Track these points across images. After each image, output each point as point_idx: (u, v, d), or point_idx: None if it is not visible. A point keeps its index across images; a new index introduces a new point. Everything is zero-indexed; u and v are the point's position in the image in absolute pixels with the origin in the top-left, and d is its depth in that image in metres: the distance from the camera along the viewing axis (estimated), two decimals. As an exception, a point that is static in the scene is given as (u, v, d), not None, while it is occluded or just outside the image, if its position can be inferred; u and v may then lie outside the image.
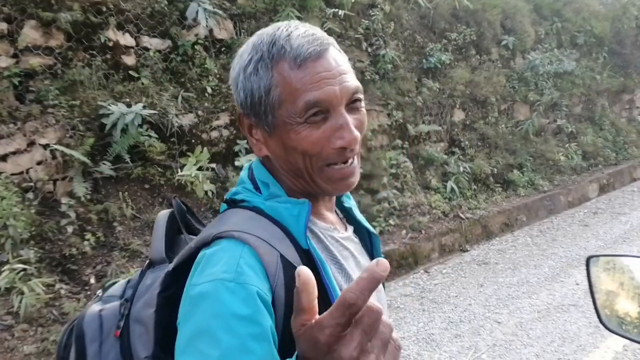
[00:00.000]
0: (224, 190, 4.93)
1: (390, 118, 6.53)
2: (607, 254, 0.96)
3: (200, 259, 0.75)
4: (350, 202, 1.02)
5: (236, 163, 5.04)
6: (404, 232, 5.60)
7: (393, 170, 6.14)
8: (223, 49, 5.44)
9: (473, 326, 3.87)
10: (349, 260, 0.88)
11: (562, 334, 3.70)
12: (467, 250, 5.66)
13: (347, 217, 1.01)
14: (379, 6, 6.55)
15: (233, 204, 0.87)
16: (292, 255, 0.77)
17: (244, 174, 0.91)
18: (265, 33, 0.84)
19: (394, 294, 4.58)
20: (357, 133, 0.80)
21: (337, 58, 0.83)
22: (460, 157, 6.98)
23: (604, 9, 9.52)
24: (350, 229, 0.97)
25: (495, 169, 7.13)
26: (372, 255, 1.00)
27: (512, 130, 7.87)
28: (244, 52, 0.85)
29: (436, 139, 7.01)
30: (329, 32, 6.18)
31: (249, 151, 5.03)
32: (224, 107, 5.22)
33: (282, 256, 0.76)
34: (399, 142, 6.48)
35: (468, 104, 7.47)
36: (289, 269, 0.74)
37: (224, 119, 5.21)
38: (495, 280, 4.75)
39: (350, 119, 0.80)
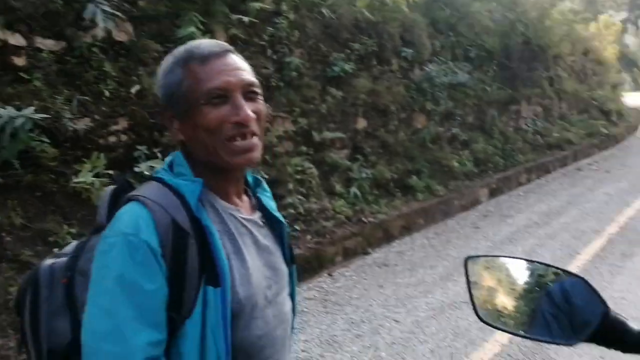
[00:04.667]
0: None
1: (296, 125, 6.63)
2: (483, 254, 1.07)
3: (114, 216, 0.98)
4: (265, 194, 1.21)
5: (136, 169, 4.89)
6: (309, 236, 5.70)
7: (298, 176, 6.24)
8: (122, 51, 5.27)
9: (373, 326, 4.03)
10: (244, 237, 1.06)
11: (455, 329, 3.95)
12: (369, 253, 5.87)
13: (260, 205, 1.18)
14: (283, 14, 6.64)
15: (152, 179, 1.07)
16: (184, 221, 0.96)
17: (168, 158, 1.11)
18: (181, 47, 1.07)
19: (299, 298, 4.63)
20: (251, 112, 1.00)
21: (237, 59, 1.05)
22: (363, 163, 7.21)
23: (493, 25, 10.22)
24: (259, 214, 1.15)
25: (396, 175, 7.44)
26: (281, 241, 1.19)
27: (411, 138, 8.25)
28: (166, 60, 1.07)
29: (340, 145, 7.19)
30: (234, 38, 6.18)
31: (149, 157, 4.92)
32: (122, 112, 5.06)
33: (174, 220, 0.95)
34: (304, 148, 6.59)
35: (370, 112, 7.74)
36: (178, 230, 0.95)
37: (123, 123, 5.05)
38: (394, 281, 4.97)
39: (246, 104, 1.00)
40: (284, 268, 1.16)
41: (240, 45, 6.32)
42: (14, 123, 4.15)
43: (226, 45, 1.07)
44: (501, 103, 10.54)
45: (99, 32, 4.96)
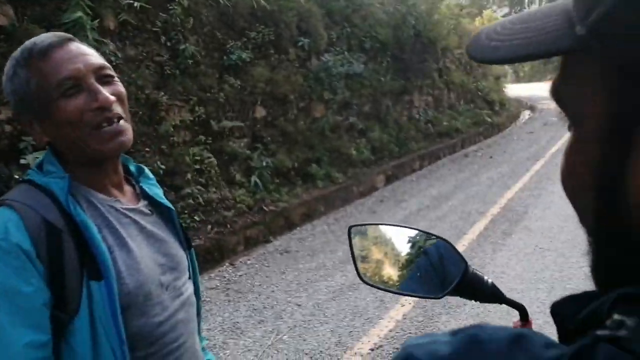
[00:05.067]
0: (7, 189, 4.46)
1: (193, 114, 6.51)
2: (366, 223, 1.16)
3: None
4: (148, 182, 1.20)
5: (22, 161, 4.59)
6: (209, 227, 5.64)
7: (197, 166, 6.15)
8: (2, 36, 4.90)
9: (275, 311, 4.10)
10: (129, 227, 1.06)
11: (353, 309, 4.11)
12: (271, 241, 5.93)
13: (145, 194, 1.17)
14: (177, 0, 6.47)
15: (21, 181, 1.05)
16: (56, 218, 0.95)
17: (37, 160, 1.09)
18: (18, 49, 1.03)
19: (201, 288, 4.61)
20: (109, 95, 0.98)
21: (80, 46, 1.03)
22: (263, 152, 7.23)
23: (386, 17, 10.58)
24: (144, 203, 1.15)
25: (296, 163, 7.54)
26: (173, 226, 1.19)
27: (310, 127, 8.38)
28: (6, 66, 1.02)
29: (239, 134, 7.16)
30: (125, 24, 5.94)
31: (37, 148, 4.63)
32: (5, 101, 4.71)
33: (44, 219, 0.94)
34: (202, 137, 6.49)
35: (269, 101, 7.76)
36: (50, 228, 0.94)
37: (6, 113, 4.71)
38: (296, 267, 5.06)
39: (104, 88, 0.99)
40: (180, 253, 1.16)
41: (131, 31, 6.09)
42: None
43: (65, 34, 1.04)
44: (395, 93, 10.97)
45: (-27, 14, 4.57)
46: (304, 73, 8.59)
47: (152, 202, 1.16)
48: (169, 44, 6.40)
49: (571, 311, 0.37)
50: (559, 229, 5.75)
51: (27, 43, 1.00)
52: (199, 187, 5.92)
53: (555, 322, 0.38)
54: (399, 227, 1.05)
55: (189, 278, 1.20)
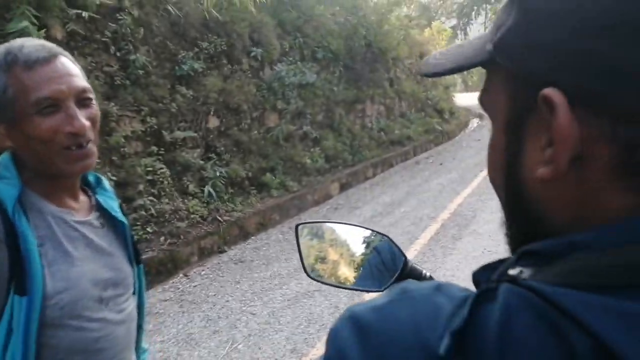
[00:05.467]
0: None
1: (144, 124, 6.44)
2: (312, 221, 1.22)
3: None
4: (105, 194, 1.20)
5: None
6: (162, 238, 5.59)
7: (149, 177, 6.08)
8: (-59, 45, 4.75)
9: (230, 320, 4.10)
10: (76, 241, 1.06)
11: (308, 317, 4.16)
12: (225, 251, 5.92)
13: (99, 206, 1.17)
14: (126, 10, 6.41)
15: None
16: None
17: None
18: (2, 46, 0.99)
19: (153, 300, 4.56)
20: (85, 122, 0.99)
21: (66, 64, 1.01)
22: (217, 162, 7.22)
23: (338, 28, 10.74)
24: (96, 215, 1.14)
25: (250, 173, 7.55)
26: (124, 240, 1.19)
27: (264, 136, 8.41)
28: None
29: (192, 145, 7.13)
30: (73, 34, 5.84)
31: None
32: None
33: None
34: (154, 148, 6.43)
35: (222, 111, 7.75)
36: None
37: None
38: (251, 276, 5.07)
39: (79, 112, 0.99)
40: (126, 269, 1.16)
41: (80, 41, 6.00)
42: None
43: (54, 47, 1.02)
44: (348, 102, 11.13)
45: None
46: (257, 83, 8.63)
47: (105, 215, 1.16)
48: (118, 54, 6.33)
49: (487, 276, 0.45)
50: (505, 232, 5.97)
51: (13, 47, 0.97)
52: (151, 198, 5.87)
53: (475, 287, 0.45)
54: (345, 225, 1.11)
55: (133, 293, 1.20)
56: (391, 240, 1.01)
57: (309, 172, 8.63)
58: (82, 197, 1.14)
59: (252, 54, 8.50)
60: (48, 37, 5.51)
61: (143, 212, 5.65)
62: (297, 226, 1.14)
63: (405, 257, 0.97)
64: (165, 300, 4.57)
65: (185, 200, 6.37)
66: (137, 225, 5.48)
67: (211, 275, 5.17)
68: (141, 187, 5.83)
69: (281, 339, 3.81)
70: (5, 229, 0.94)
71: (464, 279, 4.72)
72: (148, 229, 5.55)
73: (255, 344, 3.73)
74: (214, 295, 4.64)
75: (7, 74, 0.96)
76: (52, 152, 0.98)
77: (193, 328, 4.00)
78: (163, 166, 6.35)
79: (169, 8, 7.01)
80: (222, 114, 7.77)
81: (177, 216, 6.01)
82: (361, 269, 1.06)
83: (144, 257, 5.03)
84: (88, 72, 6.01)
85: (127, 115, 6.23)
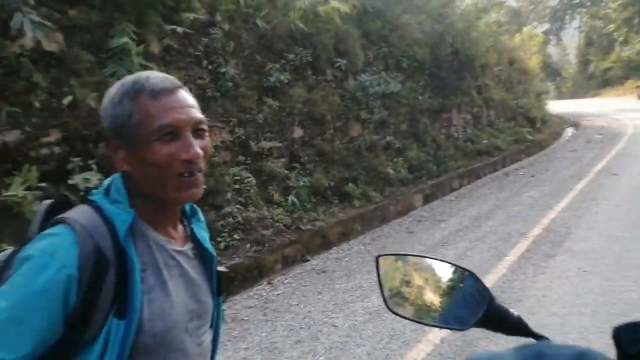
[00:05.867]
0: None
1: (233, 135, 6.66)
2: (393, 253, 1.18)
3: (40, 234, 1.00)
4: (199, 224, 1.23)
5: (70, 181, 4.79)
6: (248, 245, 5.73)
7: (237, 186, 6.27)
8: (53, 61, 5.15)
9: (312, 331, 4.12)
10: (172, 269, 1.09)
11: (390, 332, 4.09)
12: (308, 260, 5.97)
13: (193, 236, 1.20)
14: (218, 25, 6.66)
15: (85, 201, 1.07)
16: (108, 249, 0.98)
17: (106, 181, 1.11)
18: (129, 77, 1.07)
19: (238, 307, 4.68)
20: (199, 150, 1.03)
21: (186, 96, 1.07)
22: (300, 171, 7.32)
23: (424, 37, 10.61)
24: (190, 245, 1.17)
25: (333, 182, 7.60)
26: (210, 272, 1.20)
27: (347, 146, 8.44)
28: (113, 89, 1.06)
29: (277, 154, 7.27)
30: (168, 48, 6.15)
31: (84, 168, 4.82)
32: (54, 123, 4.94)
33: (97, 246, 0.97)
34: (242, 158, 6.63)
35: (306, 121, 7.87)
36: (100, 257, 0.97)
37: (55, 135, 4.93)
38: (332, 287, 5.08)
39: (194, 141, 1.03)
40: (209, 301, 1.18)
41: (174, 55, 6.30)
42: (-64, 136, 3.99)
43: (176, 80, 1.08)
44: (433, 111, 10.94)
45: (28, 42, 4.83)
46: (341, 93, 8.68)
47: (197, 246, 1.19)
48: (210, 67, 6.59)
49: (633, 336, 0.40)
50: (603, 250, 5.61)
51: (140, 77, 1.04)
52: (238, 206, 6.04)
53: (617, 345, 0.41)
54: (427, 259, 1.08)
55: (210, 326, 1.22)
56: (476, 276, 0.96)
57: (391, 183, 8.55)
58: (179, 226, 1.17)
59: (337, 64, 8.57)
60: (146, 52, 5.84)
61: (230, 220, 5.83)
62: (377, 257, 1.12)
63: (491, 295, 0.91)
64: (250, 307, 4.67)
65: (270, 209, 6.51)
66: (225, 232, 5.66)
67: (294, 284, 5.23)
68: (229, 195, 6.02)
69: (362, 354, 3.77)
70: (115, 252, 0.98)
71: (556, 300, 4.47)
72: (235, 236, 5.71)
73: (337, 357, 3.72)
74: (297, 304, 4.69)
75: (133, 102, 1.01)
76: (166, 178, 1.02)
77: (276, 337, 4.06)
78: (250, 175, 6.53)
79: (258, 22, 7.21)
80: (307, 124, 7.88)
81: (262, 224, 6.14)
82: (443, 305, 1.01)
83: (231, 262, 5.19)
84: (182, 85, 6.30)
85: (217, 126, 6.47)
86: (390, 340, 3.98)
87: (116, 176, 1.09)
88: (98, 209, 1.02)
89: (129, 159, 1.04)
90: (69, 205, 1.09)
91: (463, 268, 0.99)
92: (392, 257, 1.17)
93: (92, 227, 0.98)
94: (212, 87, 6.59)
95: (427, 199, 8.85)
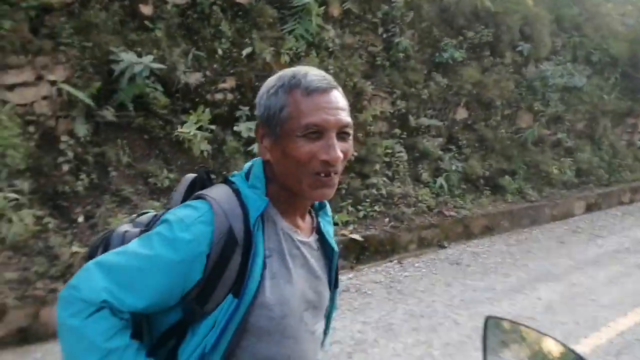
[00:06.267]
0: (219, 152, 5.06)
1: (394, 107, 6.62)
2: (507, 319, 1.09)
3: (182, 204, 1.09)
4: (325, 218, 1.26)
5: (235, 128, 5.15)
6: (386, 219, 5.76)
7: (387, 159, 6.27)
8: (240, 12, 5.48)
9: (432, 322, 4.06)
10: (296, 259, 1.12)
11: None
12: (444, 247, 5.84)
13: (318, 227, 1.22)
14: (401, -7, 6.57)
15: (226, 181, 1.14)
16: (239, 230, 1.03)
17: (247, 165, 1.17)
18: (289, 70, 1.09)
19: (364, 279, 4.76)
20: (340, 153, 1.03)
21: (339, 98, 1.07)
22: (456, 155, 7.09)
23: (624, 30, 9.48)
24: (315, 237, 1.20)
25: (487, 172, 7.26)
26: (330, 264, 1.23)
27: (512, 137, 7.97)
28: (272, 79, 1.10)
29: (435, 133, 7.11)
30: (348, 12, 6.22)
31: (250, 118, 5.14)
32: (232, 71, 5.30)
33: (230, 227, 1.03)
34: (397, 131, 6.59)
35: (473, 103, 7.55)
36: (231, 238, 1.03)
37: (231, 82, 5.30)
38: (463, 281, 4.93)
39: (337, 143, 1.04)
40: (326, 293, 1.21)
41: (352, 20, 6.36)
42: (134, 69, 4.50)
43: (332, 80, 1.08)
44: (617, 114, 9.85)
45: (221, -8, 5.18)
46: (517, 79, 8.16)
47: (321, 238, 1.21)
48: (384, 35, 6.56)
49: None
50: None
51: (299, 72, 1.07)
52: (384, 179, 6.05)
53: None
54: (544, 336, 0.99)
55: (324, 316, 1.24)
56: None
57: (553, 184, 7.96)
58: (307, 217, 1.20)
59: (518, 48, 8.03)
60: (326, 14, 5.96)
61: (374, 191, 5.87)
62: (487, 318, 1.07)
63: None
64: (376, 283, 4.73)
65: (416, 188, 6.43)
66: (366, 202, 5.73)
67: (424, 270, 5.17)
68: (377, 166, 6.05)
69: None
70: (245, 235, 1.03)
71: None
72: (375, 208, 5.76)
73: (451, 356, 3.64)
74: (422, 291, 4.64)
75: (287, 95, 1.04)
76: (303, 174, 1.04)
77: (395, 319, 4.07)
78: (402, 150, 6.48)
79: (443, -6, 6.98)
80: (472, 107, 7.57)
81: (405, 201, 6.10)
82: None
83: (367, 233, 5.26)
84: (353, 50, 6.37)
85: (380, 95, 6.47)
86: (512, 353, 3.78)
87: (257, 162, 1.13)
88: (237, 192, 1.08)
89: (272, 149, 1.08)
90: (210, 182, 1.17)
91: (579, 356, 0.90)
92: (505, 322, 1.10)
93: (229, 208, 1.04)
94: (383, 55, 6.57)
95: (589, 209, 8.10)
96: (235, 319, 1.02)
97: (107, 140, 4.54)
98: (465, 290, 4.74)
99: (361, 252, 5.22)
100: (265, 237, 1.07)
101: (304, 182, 1.05)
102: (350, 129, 1.08)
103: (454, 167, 6.81)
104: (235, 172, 1.17)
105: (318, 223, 1.23)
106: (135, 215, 1.28)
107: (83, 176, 4.25)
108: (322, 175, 1.04)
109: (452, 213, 6.34)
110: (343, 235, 5.17)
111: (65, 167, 4.22)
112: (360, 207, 5.67)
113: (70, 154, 4.25)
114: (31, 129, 4.15)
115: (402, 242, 5.65)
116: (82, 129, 4.32)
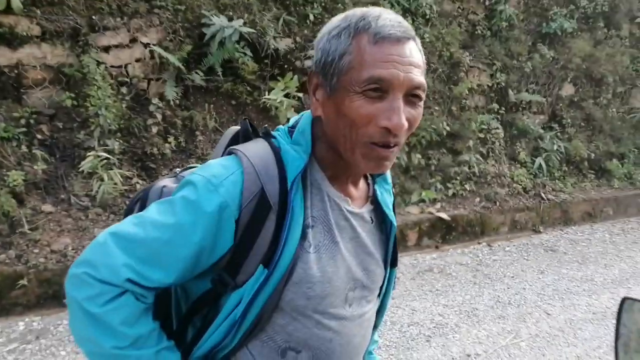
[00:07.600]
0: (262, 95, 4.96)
1: (492, 79, 6.21)
2: None
3: (211, 161, 0.94)
4: (384, 186, 1.08)
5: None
6: (477, 199, 5.45)
7: (481, 135, 5.91)
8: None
9: (520, 311, 3.79)
10: (343, 231, 0.96)
11: (611, 342, 3.54)
12: (539, 232, 5.46)
13: (375, 197, 1.05)
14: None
15: (266, 135, 0.97)
16: (273, 192, 0.88)
17: (293, 118, 1.00)
18: (359, 9, 0.90)
19: (450, 260, 4.53)
20: (405, 122, 0.84)
21: (413, 51, 0.87)
22: (558, 134, 6.58)
23: None
24: (369, 208, 1.03)
25: (593, 154, 6.69)
26: (387, 239, 1.06)
27: (623, 117, 7.28)
28: (336, 19, 0.91)
29: (536, 110, 6.62)
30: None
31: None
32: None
33: (262, 189, 0.88)
34: (495, 106, 6.19)
35: (581, 79, 6.94)
36: (263, 201, 0.88)
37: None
38: (558, 270, 4.57)
39: (404, 107, 0.85)
40: (379, 271, 1.04)
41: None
42: (224, 32, 4.47)
43: (409, 29, 0.88)
44: None
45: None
46: (634, 54, 7.39)
47: (378, 209, 1.05)
48: (487, 2, 6.13)
49: None
50: None
51: (370, 14, 0.88)
52: (477, 156, 5.71)
53: None
54: None
55: (378, 296, 1.08)
56: None
57: (669, 170, 7.20)
58: (362, 183, 1.03)
59: (637, 20, 7.24)
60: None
61: (465, 169, 5.56)
62: (624, 299, 0.95)
63: None
64: (461, 265, 4.49)
65: (512, 167, 6.04)
66: (456, 179, 5.44)
67: (515, 254, 4.84)
68: (470, 143, 5.71)
69: (571, 356, 3.34)
70: (281, 198, 0.88)
71: None
72: (466, 186, 5.46)
73: (540, 349, 3.36)
74: (512, 277, 4.34)
75: (351, 40, 0.86)
76: (356, 140, 0.87)
77: (479, 304, 3.83)
78: (499, 126, 6.08)
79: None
80: (580, 83, 6.96)
81: (499, 181, 5.75)
82: None
83: (455, 212, 5.00)
84: (452, 18, 6.01)
85: (478, 67, 6.08)
86: (609, 350, 3.44)
87: (306, 115, 0.97)
88: (276, 148, 0.92)
89: (325, 104, 0.90)
90: (255, 135, 1.00)
91: None
92: None
93: (263, 166, 0.89)
94: (484, 24, 6.16)
95: None
96: (265, 292, 0.88)
97: (195, 104, 4.58)
98: (560, 279, 4.38)
99: (447, 232, 4.97)
100: (307, 204, 0.92)
101: (356, 149, 0.87)
102: (423, 92, 0.88)
103: (555, 147, 6.31)
104: (281, 125, 1.01)
105: (375, 192, 1.05)
106: (179, 169, 1.13)
107: (171, 139, 4.32)
108: (380, 145, 0.86)
109: (551, 196, 5.90)
110: (430, 213, 4.95)
111: (154, 129, 4.31)
112: (449, 185, 5.39)
113: (160, 117, 4.33)
114: (124, 90, 4.26)
115: (493, 223, 5.34)
116: (171, 92, 4.37)
